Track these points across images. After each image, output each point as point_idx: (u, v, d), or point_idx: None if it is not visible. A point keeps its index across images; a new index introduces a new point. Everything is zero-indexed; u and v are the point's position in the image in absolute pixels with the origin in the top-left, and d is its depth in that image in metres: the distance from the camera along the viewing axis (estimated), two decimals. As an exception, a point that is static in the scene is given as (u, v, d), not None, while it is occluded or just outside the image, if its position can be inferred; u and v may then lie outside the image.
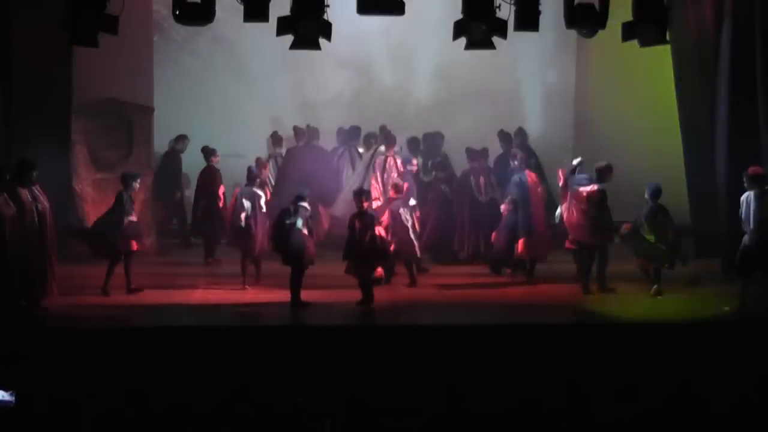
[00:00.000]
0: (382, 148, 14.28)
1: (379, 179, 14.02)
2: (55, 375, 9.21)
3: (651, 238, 11.76)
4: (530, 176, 13.18)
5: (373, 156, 14.37)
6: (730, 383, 8.37)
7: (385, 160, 14.11)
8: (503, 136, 14.86)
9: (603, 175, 12.12)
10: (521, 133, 15.05)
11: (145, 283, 12.31)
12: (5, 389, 8.16)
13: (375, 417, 7.68)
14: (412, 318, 11.12)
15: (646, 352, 9.84)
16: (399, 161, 13.98)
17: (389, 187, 13.33)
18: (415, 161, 13.95)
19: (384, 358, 9.83)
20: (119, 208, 11.94)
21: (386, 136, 14.43)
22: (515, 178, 13.04)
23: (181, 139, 15.30)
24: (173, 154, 15.36)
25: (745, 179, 11.27)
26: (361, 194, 11.67)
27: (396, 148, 14.28)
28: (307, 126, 15.21)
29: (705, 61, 12.97)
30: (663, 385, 8.27)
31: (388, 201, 13.09)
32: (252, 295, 12.02)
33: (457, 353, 9.96)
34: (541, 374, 8.27)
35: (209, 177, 14.30)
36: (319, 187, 14.48)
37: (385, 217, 12.44)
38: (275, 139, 15.39)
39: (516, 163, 13.27)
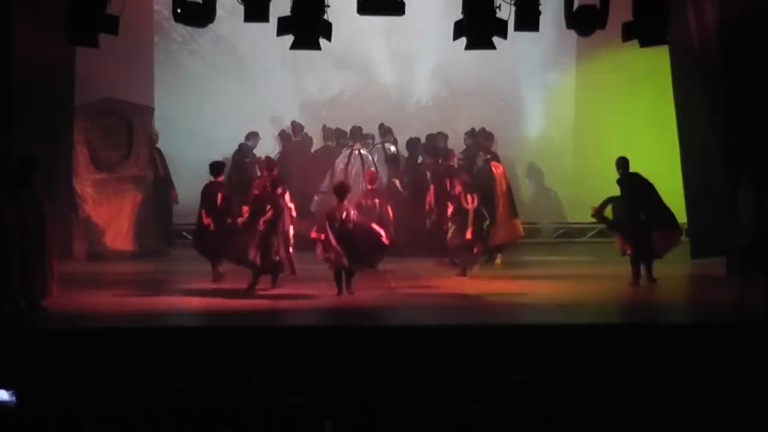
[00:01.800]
0: (357, 144, 14.91)
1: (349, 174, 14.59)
2: (55, 375, 9.21)
3: None
4: (496, 167, 13.78)
5: (350, 154, 14.90)
6: (729, 384, 8.36)
7: (350, 155, 14.77)
8: (471, 133, 15.26)
9: None
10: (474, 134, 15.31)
11: (145, 283, 12.34)
12: (5, 389, 8.16)
13: (374, 417, 7.68)
14: (411, 318, 11.12)
15: (645, 351, 9.86)
16: (366, 155, 14.70)
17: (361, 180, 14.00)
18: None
19: (383, 358, 9.82)
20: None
21: (354, 134, 15.00)
22: (483, 168, 13.84)
23: (253, 135, 15.27)
24: (246, 150, 15.25)
25: (742, 175, 11.35)
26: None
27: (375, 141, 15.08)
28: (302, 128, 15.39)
29: (704, 61, 12.99)
30: (662, 386, 8.27)
31: (367, 192, 13.39)
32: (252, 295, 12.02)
33: (456, 353, 9.97)
34: (539, 374, 8.26)
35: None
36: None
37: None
38: (284, 137, 15.48)
39: (482, 154, 14.09)
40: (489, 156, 14.24)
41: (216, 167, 12.74)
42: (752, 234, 11.13)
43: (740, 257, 11.30)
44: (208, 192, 12.58)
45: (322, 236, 11.69)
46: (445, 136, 15.31)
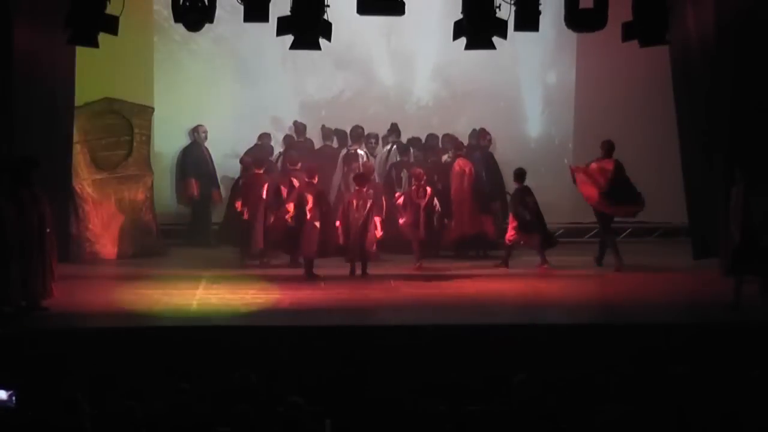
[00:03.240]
0: (355, 144, 15.02)
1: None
2: (55, 375, 9.22)
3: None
4: (459, 164, 14.25)
5: (346, 154, 15.01)
6: (729, 384, 8.37)
7: (345, 155, 14.91)
8: (472, 134, 15.47)
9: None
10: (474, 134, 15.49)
11: (146, 283, 12.35)
12: (5, 389, 8.16)
13: (374, 417, 7.68)
14: (411, 318, 11.12)
15: (645, 352, 9.86)
16: (363, 154, 14.84)
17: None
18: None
19: (383, 358, 9.83)
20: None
21: (354, 134, 15.10)
22: (445, 165, 14.47)
23: (265, 136, 15.40)
24: (268, 148, 15.36)
25: (735, 171, 11.36)
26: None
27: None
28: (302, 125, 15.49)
29: (703, 61, 13.00)
30: (662, 386, 8.27)
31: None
32: (252, 295, 12.02)
33: (456, 353, 9.97)
34: (539, 374, 8.26)
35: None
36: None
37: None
38: (288, 139, 15.47)
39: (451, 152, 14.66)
40: (459, 153, 14.62)
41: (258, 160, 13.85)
42: (742, 234, 11.12)
43: (731, 258, 11.29)
44: (251, 184, 13.48)
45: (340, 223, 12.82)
46: (453, 138, 15.28)
